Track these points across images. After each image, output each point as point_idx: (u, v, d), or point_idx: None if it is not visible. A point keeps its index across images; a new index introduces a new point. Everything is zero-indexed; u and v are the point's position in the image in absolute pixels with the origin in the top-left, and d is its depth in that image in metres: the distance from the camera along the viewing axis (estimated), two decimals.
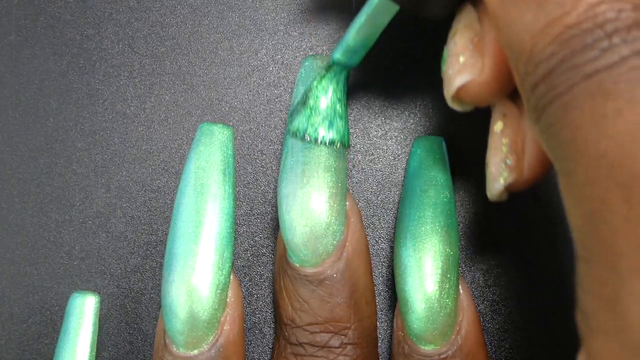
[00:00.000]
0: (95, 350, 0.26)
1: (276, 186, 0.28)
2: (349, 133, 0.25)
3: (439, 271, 0.24)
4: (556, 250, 0.27)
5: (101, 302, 0.27)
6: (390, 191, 0.28)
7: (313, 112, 0.24)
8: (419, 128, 0.28)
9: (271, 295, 0.28)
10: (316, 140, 0.24)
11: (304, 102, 0.24)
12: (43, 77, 0.28)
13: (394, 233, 0.28)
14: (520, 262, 0.27)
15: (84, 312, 0.26)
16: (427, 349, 0.24)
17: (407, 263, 0.24)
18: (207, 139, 0.25)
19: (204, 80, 0.28)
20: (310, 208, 0.24)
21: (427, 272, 0.24)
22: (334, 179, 0.24)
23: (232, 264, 0.25)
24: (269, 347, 0.27)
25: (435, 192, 0.25)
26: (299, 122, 0.24)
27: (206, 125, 0.26)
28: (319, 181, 0.24)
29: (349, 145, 0.25)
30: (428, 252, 0.24)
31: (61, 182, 0.28)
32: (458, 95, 0.21)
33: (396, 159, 0.28)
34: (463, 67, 0.21)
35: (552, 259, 0.27)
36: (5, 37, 0.29)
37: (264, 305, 0.28)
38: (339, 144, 0.24)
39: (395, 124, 0.28)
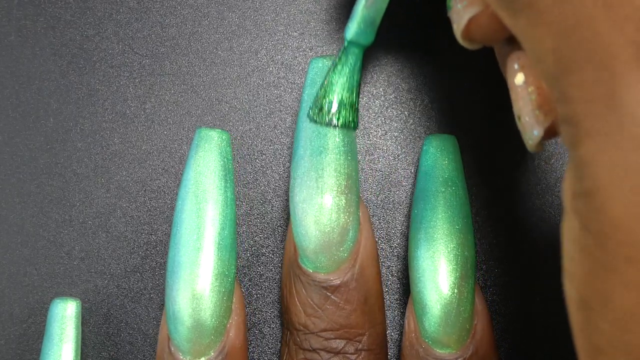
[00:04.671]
0: (79, 356, 0.26)
1: (276, 186, 0.28)
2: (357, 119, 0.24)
3: (457, 274, 0.24)
4: (556, 250, 0.27)
5: (82, 307, 0.27)
6: (390, 191, 0.28)
7: (329, 97, 0.23)
8: (419, 128, 0.28)
9: (271, 295, 0.28)
10: (330, 123, 0.23)
11: (322, 88, 0.24)
12: (43, 77, 0.28)
13: (393, 233, 0.28)
14: (520, 262, 0.27)
15: (65, 317, 0.26)
16: (444, 352, 0.24)
17: (423, 265, 0.24)
18: (206, 145, 0.25)
19: (204, 81, 0.28)
20: (327, 214, 0.24)
21: (444, 274, 0.24)
22: (349, 183, 0.24)
23: (236, 269, 0.25)
24: (269, 347, 0.27)
25: (450, 193, 0.25)
26: (316, 108, 0.24)
27: (204, 130, 0.25)
28: (334, 186, 0.24)
29: (356, 127, 0.24)
30: (445, 254, 0.24)
31: (61, 182, 0.28)
32: (468, 30, 0.21)
33: (396, 159, 0.28)
34: (471, 0, 0.20)
35: (552, 259, 0.27)
36: (5, 37, 0.29)
37: (264, 305, 0.28)
38: (352, 125, 0.24)
39: (395, 124, 0.28)
